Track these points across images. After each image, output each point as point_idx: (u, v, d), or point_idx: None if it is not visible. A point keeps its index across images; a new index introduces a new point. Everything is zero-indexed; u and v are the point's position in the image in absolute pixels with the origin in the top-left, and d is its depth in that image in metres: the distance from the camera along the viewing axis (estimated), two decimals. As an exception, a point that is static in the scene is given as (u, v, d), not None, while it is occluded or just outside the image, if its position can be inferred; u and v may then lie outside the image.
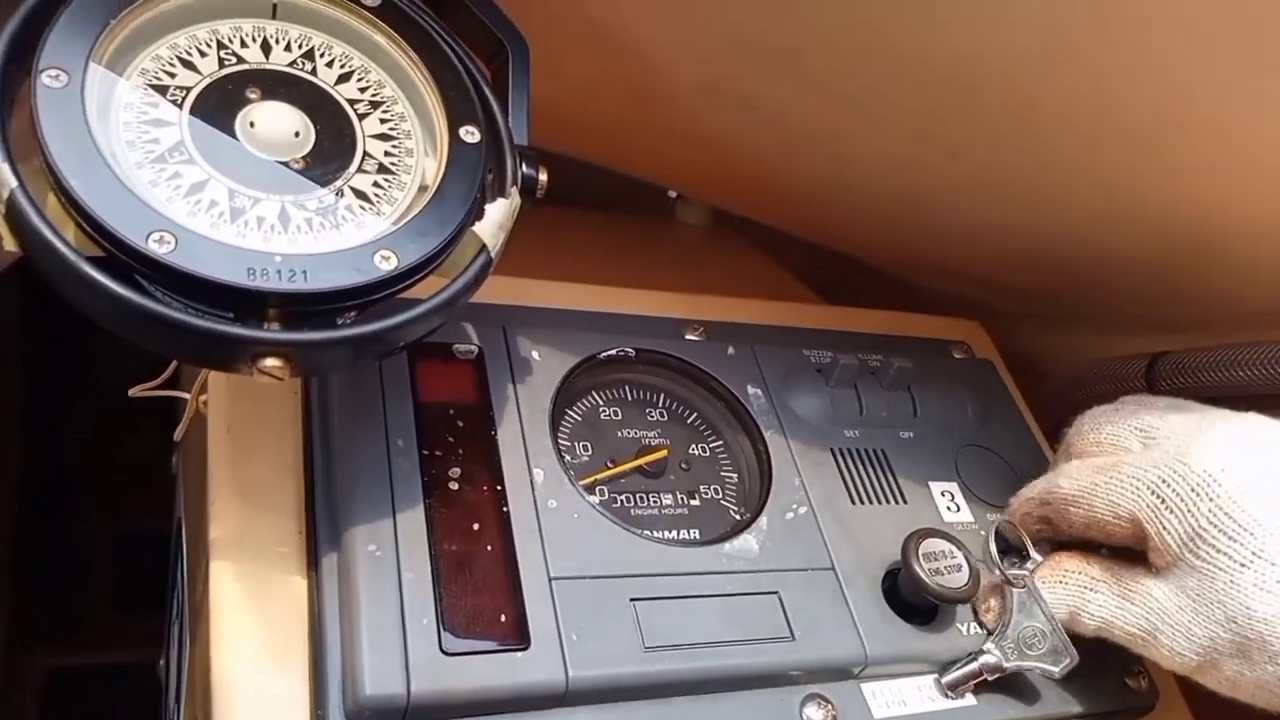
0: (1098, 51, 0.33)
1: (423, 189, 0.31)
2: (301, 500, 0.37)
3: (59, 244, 0.25)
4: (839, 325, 0.51)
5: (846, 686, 0.38)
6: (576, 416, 0.42)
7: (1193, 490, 0.34)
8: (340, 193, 0.30)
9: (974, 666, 0.39)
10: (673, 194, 0.85)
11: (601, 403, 0.43)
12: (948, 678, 0.39)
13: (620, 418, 0.43)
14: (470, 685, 0.32)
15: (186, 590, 0.48)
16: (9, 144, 0.26)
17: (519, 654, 0.33)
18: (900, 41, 0.37)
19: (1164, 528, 0.35)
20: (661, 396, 0.45)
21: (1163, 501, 0.35)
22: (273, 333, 0.27)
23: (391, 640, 0.32)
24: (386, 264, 0.28)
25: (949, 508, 0.44)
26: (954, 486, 0.45)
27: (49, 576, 1.34)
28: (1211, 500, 0.34)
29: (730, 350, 0.46)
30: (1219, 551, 0.34)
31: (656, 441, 0.43)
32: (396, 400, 0.37)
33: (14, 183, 0.26)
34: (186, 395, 0.42)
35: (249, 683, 0.32)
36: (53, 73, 0.27)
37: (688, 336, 0.46)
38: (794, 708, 0.37)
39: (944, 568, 0.39)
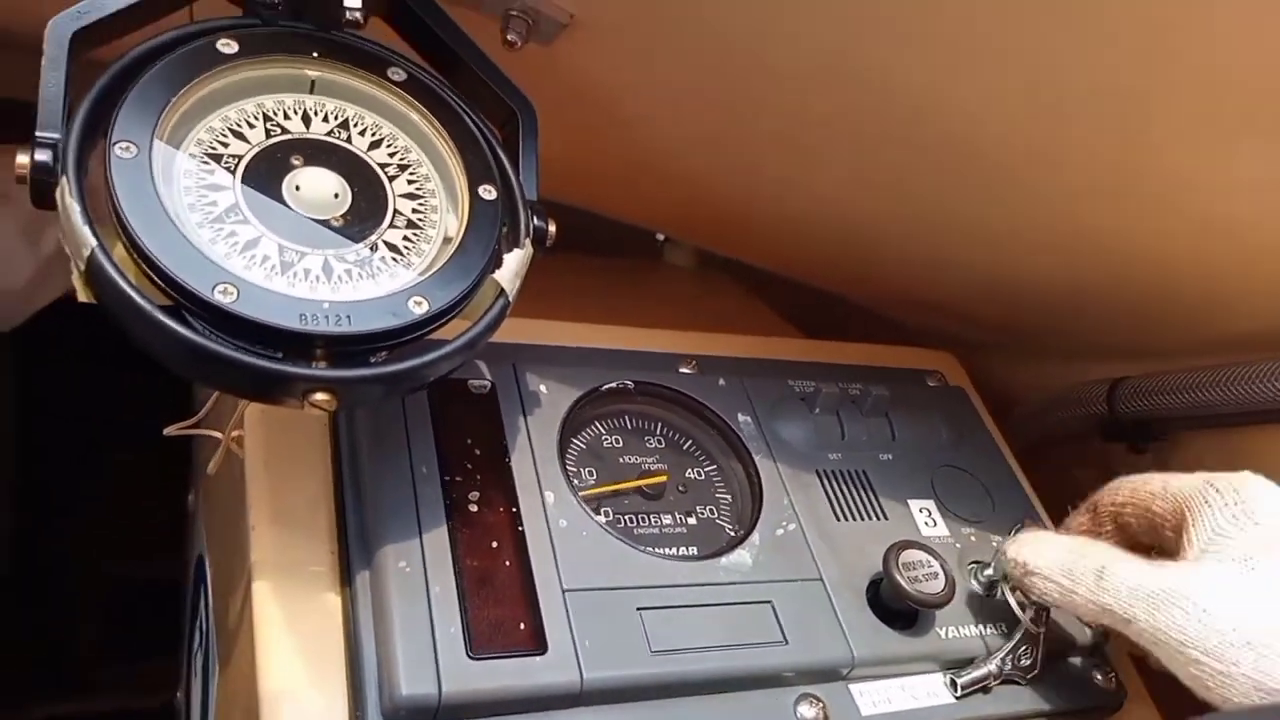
0: (1055, 109, 0.37)
1: (447, 241, 0.35)
2: (333, 525, 0.40)
3: (137, 297, 0.29)
4: (821, 358, 0.56)
5: (836, 687, 0.42)
6: (581, 444, 0.46)
7: (1236, 491, 0.38)
8: (375, 247, 0.34)
9: (983, 672, 0.43)
10: (660, 237, 0.90)
11: (604, 431, 0.47)
12: (963, 679, 0.43)
13: (622, 445, 0.47)
14: (494, 687, 0.35)
15: (212, 619, 0.51)
16: (88, 209, 0.30)
17: (537, 658, 0.36)
18: (854, 105, 0.42)
19: (1201, 515, 0.38)
20: (659, 425, 0.48)
21: (1212, 487, 0.38)
22: (323, 370, 0.31)
23: (423, 647, 0.35)
24: (419, 309, 0.32)
25: (926, 523, 0.48)
26: (930, 504, 0.49)
27: (39, 627, 1.35)
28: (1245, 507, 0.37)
29: (721, 382, 0.50)
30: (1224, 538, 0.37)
31: (655, 466, 0.47)
32: (419, 432, 0.41)
33: (94, 242, 0.30)
34: (218, 434, 0.46)
35: (293, 691, 0.35)
36: (124, 145, 0.31)
37: (681, 370, 0.50)
38: (788, 706, 0.40)
39: (922, 575, 0.42)
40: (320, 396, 0.31)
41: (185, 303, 0.30)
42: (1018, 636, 0.44)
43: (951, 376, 0.59)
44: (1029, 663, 0.43)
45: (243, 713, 0.39)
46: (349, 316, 0.31)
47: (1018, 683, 0.44)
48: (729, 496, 0.47)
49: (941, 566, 0.43)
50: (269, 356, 0.31)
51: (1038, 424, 0.64)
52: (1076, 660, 0.46)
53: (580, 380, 0.46)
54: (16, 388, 1.31)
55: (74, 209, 0.30)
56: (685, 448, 0.48)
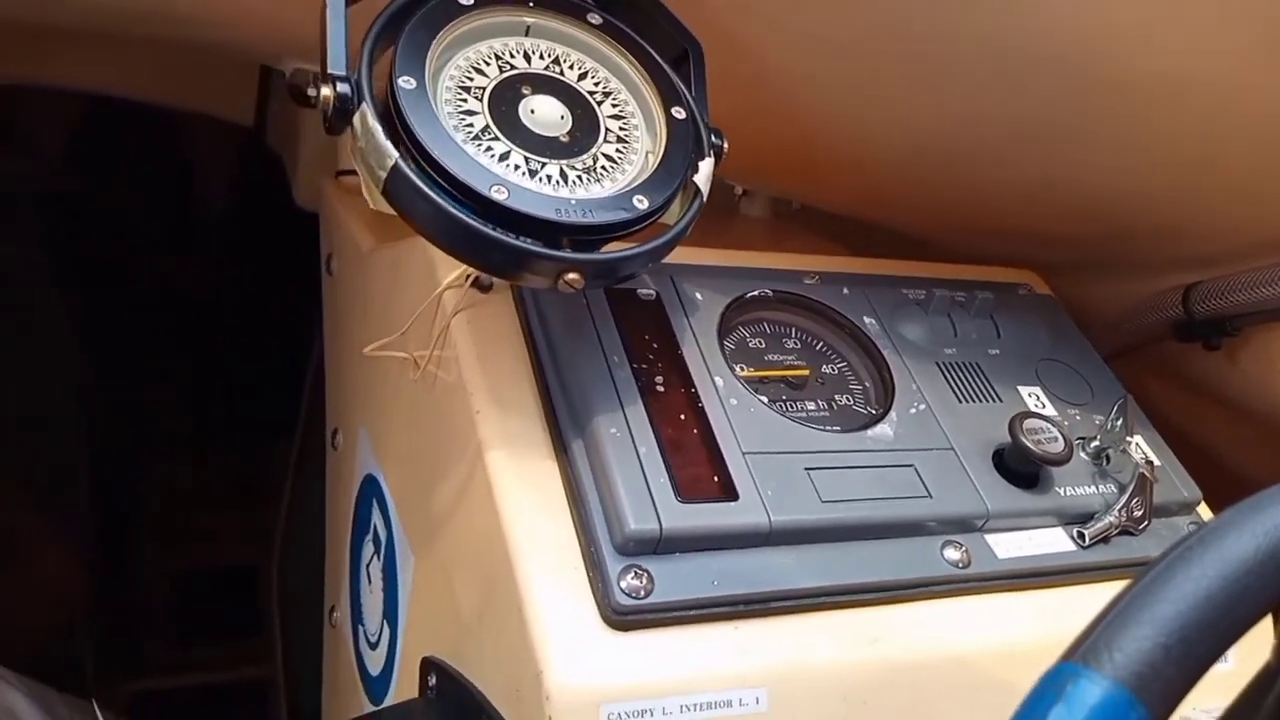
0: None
1: (649, 154, 0.44)
2: (540, 408, 0.49)
3: (435, 195, 0.38)
4: (923, 275, 0.64)
5: (973, 537, 0.50)
6: (732, 345, 0.54)
7: None
8: (595, 158, 0.43)
9: (1105, 523, 0.51)
10: (738, 191, 0.98)
11: (748, 335, 0.56)
12: (1090, 529, 0.51)
13: (764, 346, 0.56)
14: (701, 524, 0.44)
15: (397, 522, 0.60)
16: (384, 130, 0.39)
17: (732, 504, 0.45)
18: (997, 27, 0.49)
19: None
20: (794, 330, 0.57)
21: None
22: (574, 254, 0.39)
23: (641, 493, 0.44)
24: (641, 205, 0.41)
25: (1036, 405, 0.57)
26: (1038, 389, 0.58)
27: (117, 614, 1.46)
28: None
29: (845, 290, 0.58)
30: None
31: (795, 363, 0.55)
32: (606, 332, 0.50)
33: (397, 155, 0.38)
34: (404, 355, 0.54)
35: (533, 533, 0.44)
36: (406, 79, 0.40)
37: (806, 282, 0.59)
38: (935, 550, 0.49)
39: (1044, 439, 0.51)
40: (572, 276, 0.39)
41: (467, 200, 0.39)
42: (1130, 489, 0.52)
43: (1038, 289, 0.68)
44: (1140, 514, 0.52)
45: (470, 570, 0.48)
46: (591, 211, 0.40)
47: (1131, 533, 0.52)
48: (860, 387, 0.56)
49: (1059, 431, 0.51)
50: (533, 242, 0.39)
51: (1115, 335, 0.73)
52: (1179, 517, 0.55)
53: (727, 289, 0.55)
54: (86, 383, 1.42)
55: (377, 129, 0.39)
56: (818, 348, 0.57)
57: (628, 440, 0.46)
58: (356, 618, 0.70)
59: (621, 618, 0.42)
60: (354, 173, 0.85)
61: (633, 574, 0.43)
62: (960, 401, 0.55)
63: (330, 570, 0.78)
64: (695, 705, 0.42)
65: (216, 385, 1.56)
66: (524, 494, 0.45)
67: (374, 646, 0.65)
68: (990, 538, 0.50)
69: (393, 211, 0.40)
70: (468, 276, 0.51)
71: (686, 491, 0.45)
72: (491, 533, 0.45)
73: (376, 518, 0.65)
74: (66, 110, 1.40)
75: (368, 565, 0.68)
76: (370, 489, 0.67)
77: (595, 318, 0.50)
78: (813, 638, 0.45)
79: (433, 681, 0.52)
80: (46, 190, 1.43)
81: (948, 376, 0.56)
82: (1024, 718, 0.26)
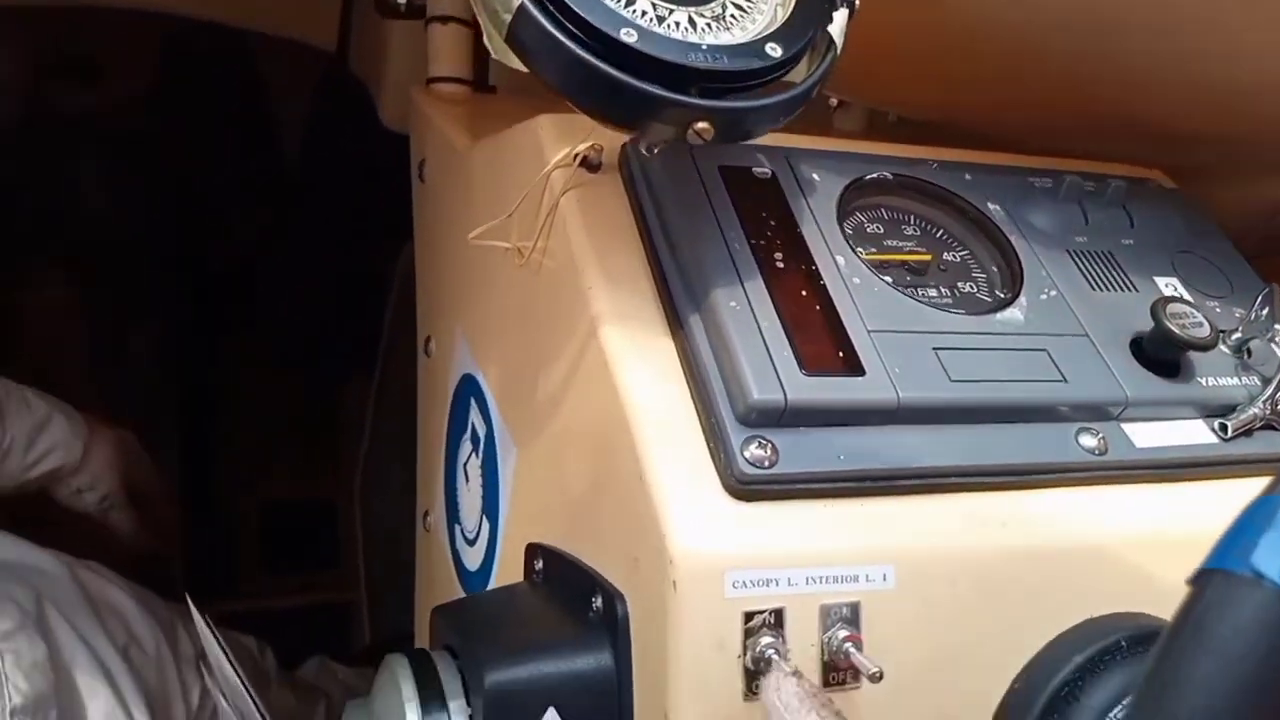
0: None
1: (778, 7, 0.42)
2: (652, 283, 0.47)
3: (564, 39, 0.37)
4: (1048, 167, 0.61)
5: (1109, 425, 0.48)
6: (849, 230, 0.52)
7: None
8: (724, 6, 0.41)
9: (1249, 414, 0.48)
10: (833, 102, 0.95)
11: (865, 221, 0.53)
12: (1233, 421, 0.48)
13: (883, 232, 0.53)
14: (826, 398, 0.43)
15: (498, 416, 0.60)
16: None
17: (859, 379, 0.44)
18: None
19: None
20: (913, 217, 0.55)
21: None
22: (708, 101, 0.38)
23: (764, 364, 0.42)
24: (775, 53, 0.39)
25: (1173, 295, 0.54)
26: (1175, 280, 0.55)
27: (206, 541, 1.51)
28: None
29: (967, 177, 0.56)
30: None
31: (915, 249, 0.53)
32: (721, 208, 0.48)
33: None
34: (507, 244, 0.54)
35: (654, 407, 0.43)
36: (529, -79, 0.38)
37: (927, 168, 0.56)
38: (1070, 437, 0.47)
39: (1189, 324, 0.48)
40: (702, 125, 0.38)
41: (596, 44, 0.37)
42: (1276, 380, 0.49)
43: (1166, 186, 0.64)
44: (1286, 406, 0.49)
45: (582, 449, 0.47)
46: (723, 57, 0.38)
47: (1275, 428, 0.49)
48: (984, 275, 0.53)
49: (1204, 318, 0.48)
50: (662, 88, 0.38)
51: (1256, 235, 0.68)
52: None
53: (844, 172, 0.53)
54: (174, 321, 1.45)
55: (500, -31, 0.37)
56: (938, 235, 0.54)
57: (748, 314, 0.44)
58: (452, 518, 0.70)
59: (745, 487, 0.41)
60: (445, 79, 0.84)
61: (756, 444, 0.41)
62: (1094, 289, 0.52)
63: (423, 475, 0.78)
64: (821, 578, 0.41)
65: (297, 319, 1.59)
66: (640, 367, 0.44)
67: (471, 542, 0.65)
68: (1127, 426, 0.48)
69: (514, 63, 0.39)
70: (576, 156, 0.50)
71: (811, 365, 0.43)
72: (608, 406, 0.44)
73: (475, 416, 0.65)
74: (145, 42, 1.42)
75: (465, 464, 0.68)
76: (468, 389, 0.67)
77: (710, 194, 0.49)
78: (941, 518, 0.43)
79: (539, 566, 0.52)
80: (126, 125, 1.45)
81: (1079, 264, 0.53)
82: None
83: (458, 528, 0.69)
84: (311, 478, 1.63)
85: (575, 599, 0.46)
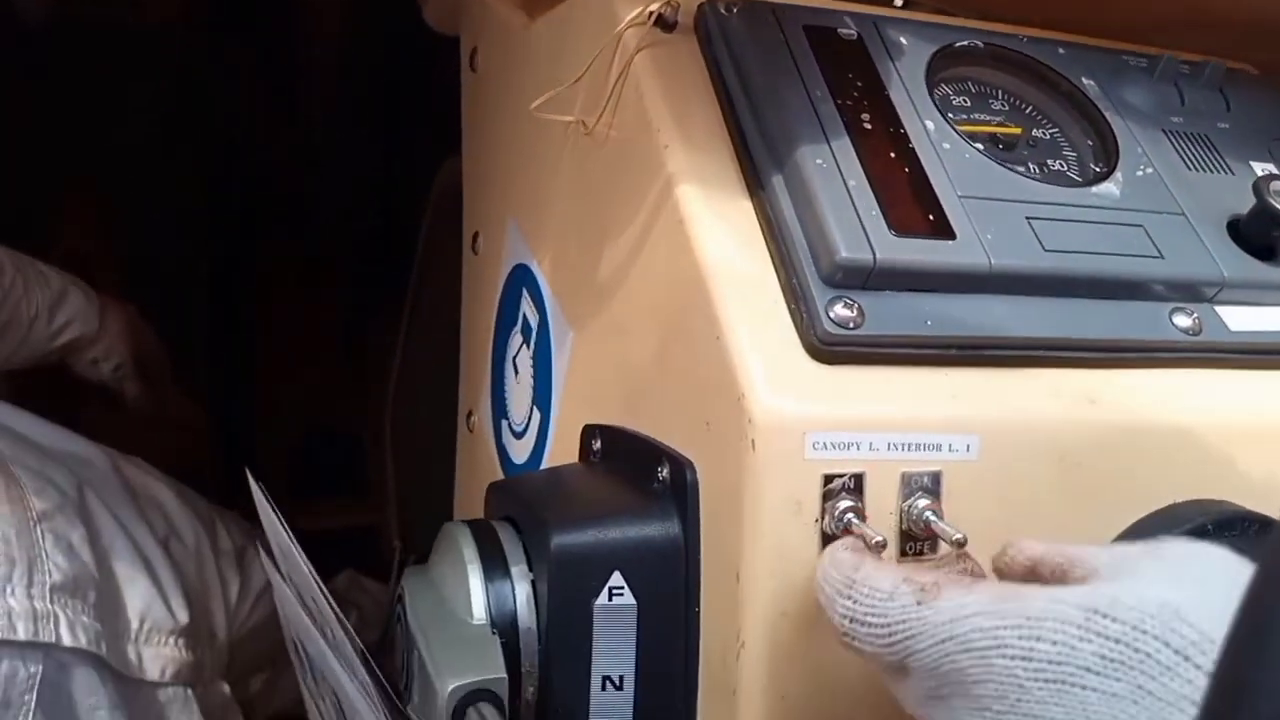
0: None
1: None
2: (729, 143, 0.45)
3: None
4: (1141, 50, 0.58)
5: (1204, 307, 0.45)
6: (936, 99, 0.50)
7: None
8: None
9: None
10: (898, 2, 0.91)
11: (952, 93, 0.51)
12: None
13: (970, 105, 0.51)
14: (916, 259, 0.41)
15: (552, 303, 0.58)
16: None
17: (949, 242, 0.42)
18: None
19: None
20: (1001, 91, 0.52)
21: None
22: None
23: (851, 223, 0.41)
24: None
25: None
26: (1272, 167, 0.52)
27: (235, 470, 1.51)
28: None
29: (1060, 51, 0.53)
30: None
31: (1004, 122, 0.50)
32: (806, 67, 0.46)
33: None
34: (570, 119, 0.51)
35: (733, 266, 0.41)
36: None
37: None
38: (1164, 315, 0.45)
39: (1294, 202, 0.45)
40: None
41: None
42: (1382, 268, 0.46)
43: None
44: (1399, 294, 0.46)
45: (652, 317, 0.46)
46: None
47: (1377, 317, 0.47)
48: (1074, 154, 0.50)
49: (1312, 196, 0.46)
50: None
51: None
52: None
53: (934, 39, 0.50)
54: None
55: None
56: (1028, 112, 0.52)
57: (835, 173, 0.42)
58: (499, 413, 0.69)
59: (828, 348, 0.39)
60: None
61: (842, 304, 0.40)
62: (1189, 170, 0.50)
63: (467, 375, 0.77)
64: (904, 445, 0.39)
65: (328, 240, 1.57)
66: (718, 225, 0.42)
67: (520, 436, 0.64)
68: (1222, 309, 0.46)
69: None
70: (650, 14, 0.48)
71: (900, 226, 0.41)
72: (683, 267, 0.43)
73: (526, 306, 0.63)
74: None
75: (515, 357, 0.66)
76: (519, 279, 0.65)
77: (794, 52, 0.46)
78: (1029, 391, 0.42)
79: (596, 445, 0.50)
80: (157, 46, 1.42)
81: (1175, 144, 0.51)
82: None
83: (505, 423, 0.68)
84: (341, 407, 1.63)
85: (638, 471, 0.45)
